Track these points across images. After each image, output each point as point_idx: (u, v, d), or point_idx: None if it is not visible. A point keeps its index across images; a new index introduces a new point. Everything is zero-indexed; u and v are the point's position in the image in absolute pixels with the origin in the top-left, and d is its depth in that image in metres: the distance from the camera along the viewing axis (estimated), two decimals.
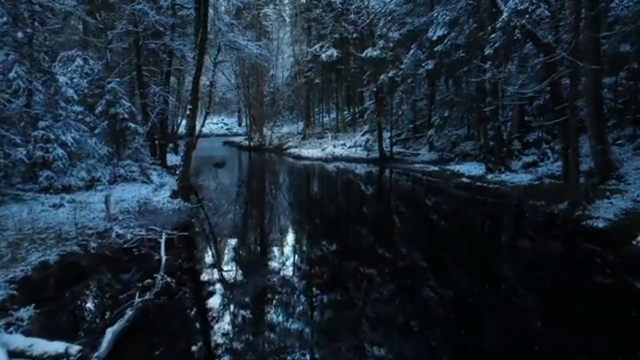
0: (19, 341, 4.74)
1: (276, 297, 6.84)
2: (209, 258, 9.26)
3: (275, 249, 9.64)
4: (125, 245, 8.61)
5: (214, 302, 6.63)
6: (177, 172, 13.49)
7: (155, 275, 6.81)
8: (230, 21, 21.58)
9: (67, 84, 14.34)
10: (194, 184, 15.11)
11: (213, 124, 52.46)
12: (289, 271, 8.07)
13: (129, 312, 5.58)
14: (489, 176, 15.87)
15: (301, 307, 6.46)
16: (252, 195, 17.97)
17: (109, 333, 5.01)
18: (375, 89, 23.86)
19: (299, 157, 28.47)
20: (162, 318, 5.95)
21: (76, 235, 8.33)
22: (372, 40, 24.99)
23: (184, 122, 19.03)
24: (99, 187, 12.79)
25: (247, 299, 6.65)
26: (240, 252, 9.68)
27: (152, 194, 12.86)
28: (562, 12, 12.80)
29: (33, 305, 5.70)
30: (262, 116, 36.89)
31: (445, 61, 20.20)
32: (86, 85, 15.92)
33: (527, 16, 11.24)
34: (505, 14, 11.93)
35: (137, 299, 5.89)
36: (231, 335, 5.59)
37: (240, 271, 8.15)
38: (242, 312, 6.32)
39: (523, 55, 15.53)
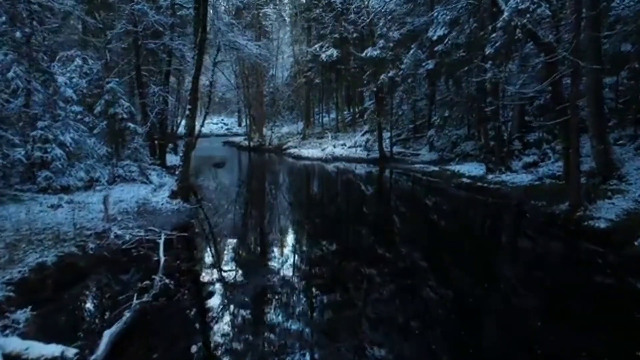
0: (15, 344, 4.69)
1: (276, 297, 6.80)
2: (208, 259, 9.20)
3: (275, 249, 9.61)
4: (123, 246, 8.56)
5: (213, 303, 6.58)
6: (177, 172, 13.43)
7: (153, 276, 6.77)
8: (230, 21, 21.57)
9: (66, 83, 14.32)
10: (194, 184, 15.06)
11: (213, 124, 52.41)
12: (288, 271, 8.04)
13: (127, 314, 5.54)
14: (490, 176, 15.83)
15: (301, 308, 6.43)
16: (252, 195, 17.92)
17: (106, 335, 4.96)
18: (375, 89, 23.81)
19: (298, 157, 28.43)
20: (160, 320, 5.90)
21: (74, 236, 8.27)
22: (372, 40, 24.96)
23: (183, 122, 18.95)
24: (97, 188, 12.73)
25: (246, 300, 6.60)
26: (240, 252, 9.63)
27: (151, 195, 12.82)
28: (563, 11, 12.78)
29: (30, 307, 5.66)
30: (262, 116, 36.85)
31: (446, 61, 20.14)
32: (85, 85, 15.88)
33: (528, 16, 11.22)
34: (506, 14, 11.91)
35: (135, 301, 5.84)
36: (230, 336, 5.56)
37: (239, 272, 8.10)
38: (241, 312, 6.27)
39: (524, 55, 15.48)
